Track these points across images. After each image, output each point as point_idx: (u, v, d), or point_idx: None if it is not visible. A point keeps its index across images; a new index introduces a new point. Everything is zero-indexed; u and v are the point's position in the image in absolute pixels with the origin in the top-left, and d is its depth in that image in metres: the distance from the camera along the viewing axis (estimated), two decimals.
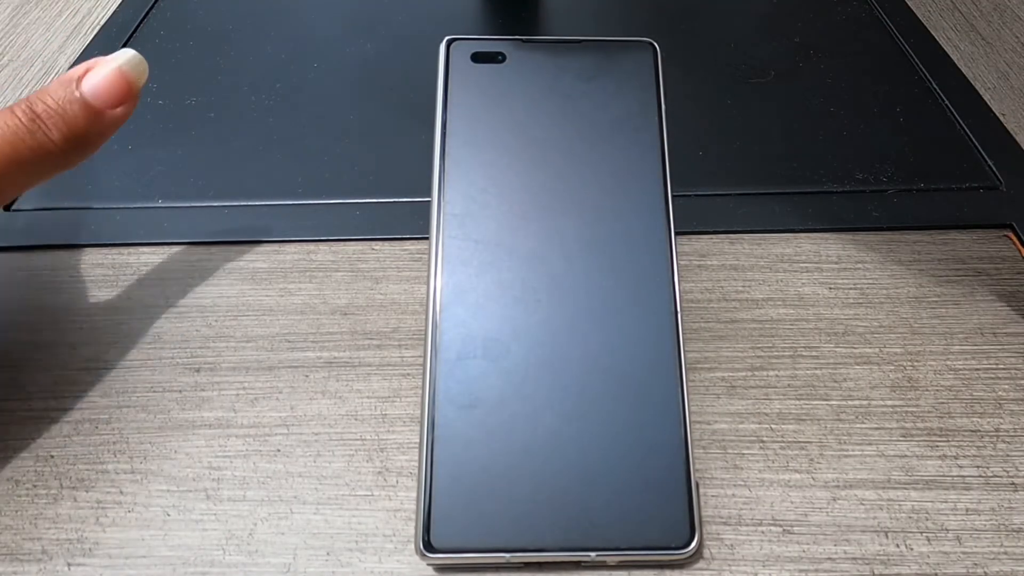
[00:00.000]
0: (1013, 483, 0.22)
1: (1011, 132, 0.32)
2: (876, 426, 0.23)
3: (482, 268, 0.23)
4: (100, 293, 0.27)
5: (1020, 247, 0.28)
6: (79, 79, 0.22)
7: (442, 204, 0.24)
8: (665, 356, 0.22)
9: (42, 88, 0.22)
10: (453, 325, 0.22)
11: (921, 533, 0.21)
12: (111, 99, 0.22)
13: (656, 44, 0.27)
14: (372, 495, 0.22)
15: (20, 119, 0.21)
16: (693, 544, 0.20)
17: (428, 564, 0.20)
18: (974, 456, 0.22)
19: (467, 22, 0.39)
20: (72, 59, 0.37)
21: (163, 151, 0.32)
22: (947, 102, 0.34)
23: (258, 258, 0.28)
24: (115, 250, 0.28)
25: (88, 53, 0.37)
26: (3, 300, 0.27)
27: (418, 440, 0.23)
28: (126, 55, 0.23)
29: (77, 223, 0.29)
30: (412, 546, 0.20)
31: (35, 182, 0.22)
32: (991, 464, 0.22)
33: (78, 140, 0.22)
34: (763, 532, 0.21)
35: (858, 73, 0.35)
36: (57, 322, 0.26)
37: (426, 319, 0.22)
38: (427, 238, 0.24)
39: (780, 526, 0.21)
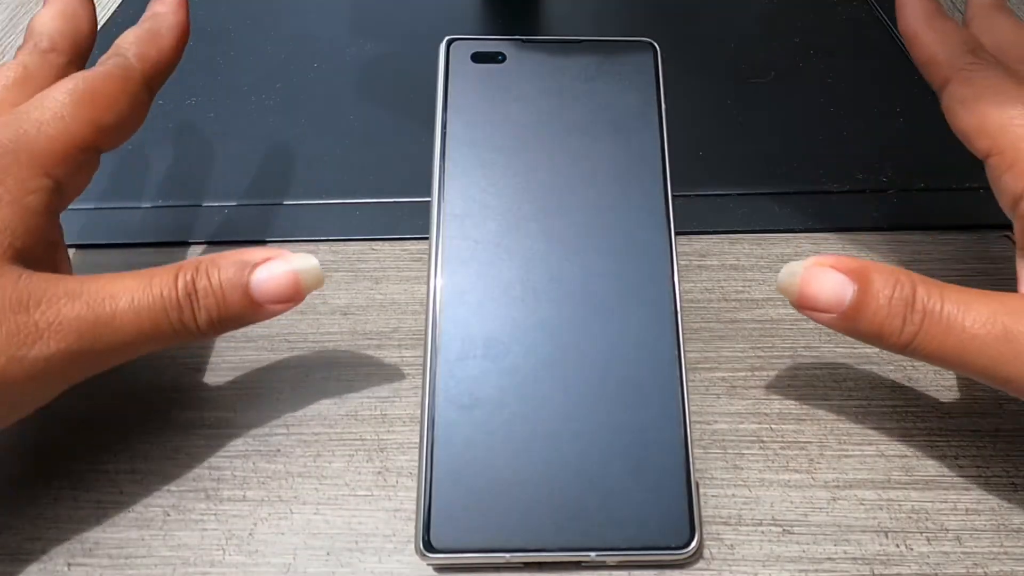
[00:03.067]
0: (1013, 483, 0.22)
1: None
2: (876, 426, 0.23)
3: (482, 268, 0.23)
4: None
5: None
6: (254, 266, 0.20)
7: (442, 204, 0.24)
8: (665, 356, 0.22)
9: (209, 258, 0.20)
10: (453, 325, 0.22)
11: (921, 533, 0.21)
12: (275, 300, 0.20)
13: (656, 44, 0.27)
14: (372, 495, 0.22)
15: (176, 291, 0.19)
16: (693, 544, 0.20)
17: (428, 564, 0.20)
18: (974, 456, 0.22)
19: (467, 22, 0.39)
20: None
21: (163, 151, 0.32)
22: None
23: None
24: (115, 250, 0.28)
25: None
26: None
27: (418, 440, 0.23)
28: (307, 262, 0.21)
29: (78, 222, 0.29)
30: (412, 546, 0.20)
31: (153, 350, 0.20)
32: (991, 464, 0.22)
33: (222, 327, 0.20)
34: (763, 532, 0.21)
35: (858, 73, 0.35)
36: None
37: (426, 319, 0.22)
38: (427, 238, 0.24)
39: (780, 526, 0.21)
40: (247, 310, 0.20)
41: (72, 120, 0.20)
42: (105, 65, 0.22)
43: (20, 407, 0.19)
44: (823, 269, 0.19)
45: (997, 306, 0.18)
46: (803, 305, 0.20)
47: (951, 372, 0.24)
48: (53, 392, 0.19)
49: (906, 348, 0.18)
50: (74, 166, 0.21)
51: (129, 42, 0.23)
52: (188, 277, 0.19)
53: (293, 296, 0.21)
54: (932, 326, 0.18)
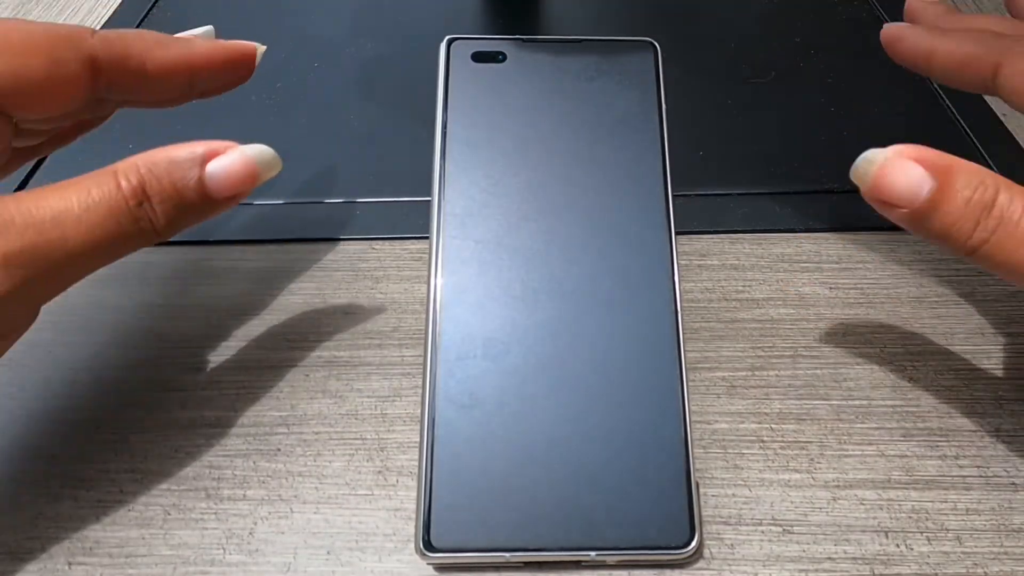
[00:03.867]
0: (1013, 483, 0.22)
1: (1012, 132, 0.32)
2: (876, 426, 0.23)
3: (482, 268, 0.23)
4: (101, 292, 0.27)
5: None
6: (202, 161, 0.19)
7: (442, 204, 0.24)
8: (665, 356, 0.22)
9: (157, 153, 0.19)
10: (453, 325, 0.22)
11: (921, 533, 0.21)
12: (232, 192, 0.19)
13: (657, 44, 0.27)
14: (372, 494, 0.22)
15: (125, 197, 0.18)
16: (693, 544, 0.20)
17: (428, 563, 0.20)
18: (974, 456, 0.22)
19: (467, 22, 0.39)
20: None
21: None
22: (947, 102, 0.34)
23: (258, 258, 0.28)
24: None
25: None
26: None
27: (418, 439, 0.23)
28: (259, 149, 0.20)
29: None
30: (412, 545, 0.20)
31: (115, 259, 0.19)
32: (991, 464, 0.22)
33: (182, 226, 0.19)
34: (763, 532, 0.21)
35: (858, 73, 0.35)
36: (57, 321, 0.26)
37: (426, 318, 0.22)
38: (427, 238, 0.24)
39: (780, 526, 0.21)
40: (206, 206, 0.19)
41: None
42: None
43: None
44: (904, 161, 0.18)
45: None
46: (874, 197, 0.19)
47: (952, 372, 0.24)
48: (22, 323, 0.19)
49: (973, 253, 0.18)
50: None
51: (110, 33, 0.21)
52: (131, 180, 0.18)
53: (251, 185, 0.20)
54: (1006, 236, 0.17)
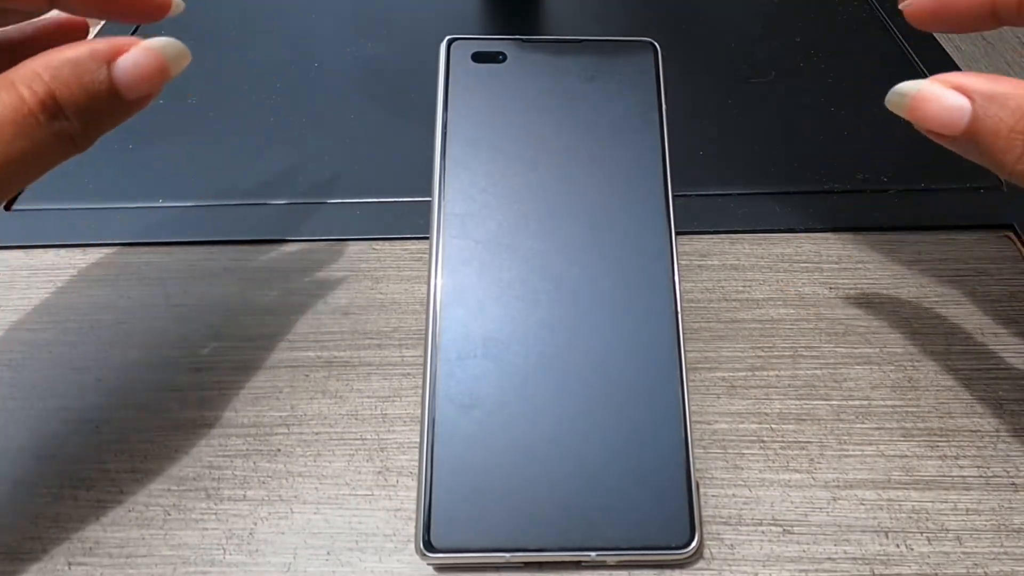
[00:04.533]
0: (1013, 483, 0.22)
1: None
2: (876, 426, 0.23)
3: (482, 268, 0.23)
4: (100, 293, 0.27)
5: (1020, 247, 0.28)
6: (109, 60, 0.18)
7: (443, 204, 0.24)
8: (665, 356, 0.22)
9: (56, 57, 0.17)
10: (453, 325, 0.22)
11: (921, 533, 0.21)
12: (142, 89, 0.18)
13: (657, 44, 0.27)
14: (372, 495, 0.22)
15: (33, 111, 0.17)
16: (693, 544, 0.20)
17: (428, 564, 0.20)
18: (974, 456, 0.22)
19: (467, 22, 0.39)
20: None
21: (163, 151, 0.32)
22: None
23: (258, 258, 0.28)
24: (115, 250, 0.28)
25: None
26: (3, 299, 0.27)
27: (418, 440, 0.23)
28: (170, 45, 0.19)
29: (77, 222, 0.29)
30: (412, 546, 0.20)
31: (38, 176, 0.18)
32: (991, 464, 0.22)
33: (99, 134, 0.18)
34: (763, 532, 0.21)
35: (859, 73, 0.35)
36: (57, 322, 0.26)
37: (426, 319, 0.22)
38: (427, 238, 0.24)
39: (780, 526, 0.21)
40: (120, 108, 0.18)
41: None
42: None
43: None
44: (941, 89, 0.18)
45: None
46: (918, 126, 0.19)
47: (952, 372, 0.24)
48: None
49: (1019, 177, 0.18)
50: None
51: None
52: (38, 89, 0.17)
53: (161, 82, 0.19)
54: None
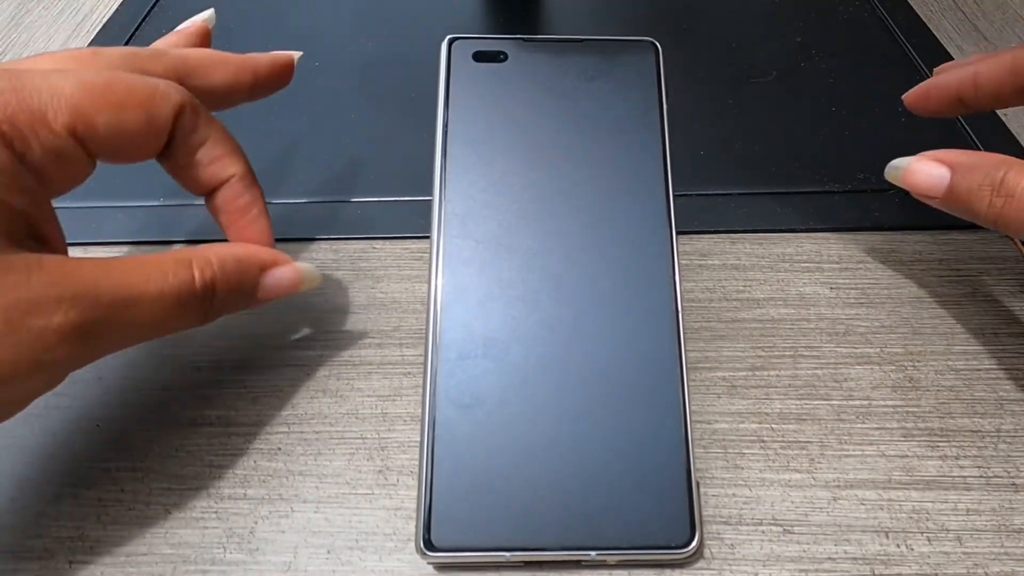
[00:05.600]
0: (1014, 483, 0.22)
1: (1013, 133, 0.32)
2: (877, 426, 0.23)
3: (483, 267, 0.23)
4: None
5: (1021, 247, 0.28)
6: (265, 269, 0.21)
7: (443, 203, 0.24)
8: (666, 355, 0.22)
9: (228, 252, 0.20)
10: (454, 324, 0.22)
11: (922, 533, 0.21)
12: (274, 298, 0.22)
13: (658, 43, 0.27)
14: (372, 494, 0.22)
15: (196, 289, 0.19)
16: (693, 543, 0.20)
17: (428, 563, 0.20)
18: (975, 456, 0.22)
19: (468, 21, 0.39)
20: None
21: None
22: None
23: None
24: (116, 248, 0.28)
25: None
26: None
27: (418, 439, 0.23)
28: (311, 272, 0.23)
29: (79, 221, 0.29)
30: (412, 545, 0.20)
31: (165, 335, 0.20)
32: (992, 464, 0.22)
33: (224, 313, 0.21)
34: (763, 532, 0.21)
35: (860, 73, 0.35)
36: None
37: (427, 318, 0.22)
38: (428, 237, 0.24)
39: (780, 526, 0.21)
40: (249, 304, 0.22)
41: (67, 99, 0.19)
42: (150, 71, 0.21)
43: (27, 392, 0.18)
44: (925, 162, 0.23)
45: None
46: (912, 193, 0.24)
47: (952, 372, 0.24)
48: (56, 384, 0.19)
49: (995, 224, 0.21)
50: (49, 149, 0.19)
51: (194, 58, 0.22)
52: (208, 276, 0.20)
53: (292, 294, 0.22)
54: (1014, 204, 0.20)
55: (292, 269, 0.22)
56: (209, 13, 0.26)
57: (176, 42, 0.24)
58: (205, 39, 0.25)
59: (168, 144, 0.21)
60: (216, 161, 0.22)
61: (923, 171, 0.23)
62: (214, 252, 0.20)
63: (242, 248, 0.21)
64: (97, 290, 0.18)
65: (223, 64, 0.23)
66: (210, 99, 0.22)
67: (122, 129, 0.20)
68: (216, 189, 0.22)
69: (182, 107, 0.21)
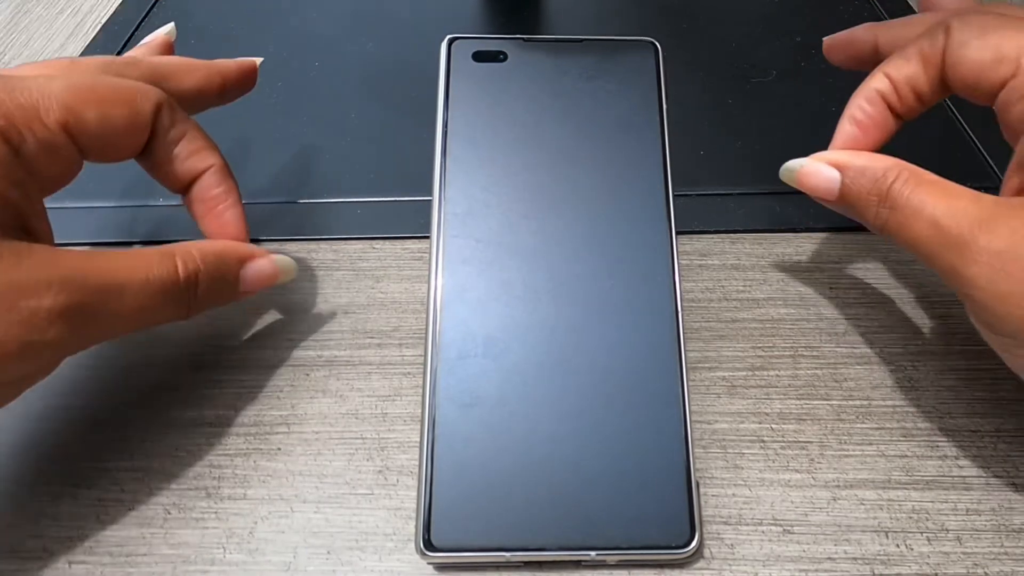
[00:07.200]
0: (1014, 483, 0.22)
1: None
2: (877, 426, 0.23)
3: (483, 267, 0.23)
4: None
5: None
6: (244, 262, 0.22)
7: (443, 203, 0.24)
8: (666, 355, 0.22)
9: (209, 247, 0.21)
10: (454, 324, 0.22)
11: (921, 533, 0.21)
12: (254, 289, 0.23)
13: (658, 43, 0.27)
14: (372, 494, 0.22)
15: (179, 281, 0.20)
16: (693, 543, 0.20)
17: (428, 563, 0.20)
18: (975, 456, 0.22)
19: (468, 21, 0.39)
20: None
21: None
22: (948, 101, 0.34)
23: None
24: (116, 249, 0.28)
25: (89, 52, 0.37)
26: None
27: (418, 439, 0.23)
28: (287, 264, 0.24)
29: (78, 221, 0.29)
30: (412, 545, 0.20)
31: (148, 327, 0.21)
32: (992, 464, 0.22)
33: (206, 307, 0.22)
34: (763, 532, 0.21)
35: (860, 73, 0.35)
36: None
37: (427, 318, 0.22)
38: (428, 237, 0.24)
39: (780, 526, 0.21)
40: (232, 299, 0.23)
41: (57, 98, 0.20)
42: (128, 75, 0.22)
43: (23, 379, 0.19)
44: (818, 164, 0.22)
45: (966, 205, 0.19)
46: (808, 194, 0.23)
47: (952, 372, 0.24)
48: (48, 371, 0.19)
49: (881, 232, 0.21)
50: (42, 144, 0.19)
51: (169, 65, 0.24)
52: (188, 268, 0.21)
53: (270, 286, 0.23)
54: (897, 217, 0.20)
55: (269, 261, 0.23)
56: (170, 27, 0.27)
57: (143, 53, 0.26)
58: (168, 51, 0.27)
59: (148, 141, 0.22)
60: (193, 155, 0.23)
61: (815, 173, 0.22)
62: (196, 247, 0.21)
63: (221, 243, 0.22)
64: (85, 276, 0.18)
65: (194, 70, 0.24)
66: (182, 102, 0.23)
67: (110, 124, 0.21)
68: (192, 182, 0.23)
69: (160, 105, 0.22)
